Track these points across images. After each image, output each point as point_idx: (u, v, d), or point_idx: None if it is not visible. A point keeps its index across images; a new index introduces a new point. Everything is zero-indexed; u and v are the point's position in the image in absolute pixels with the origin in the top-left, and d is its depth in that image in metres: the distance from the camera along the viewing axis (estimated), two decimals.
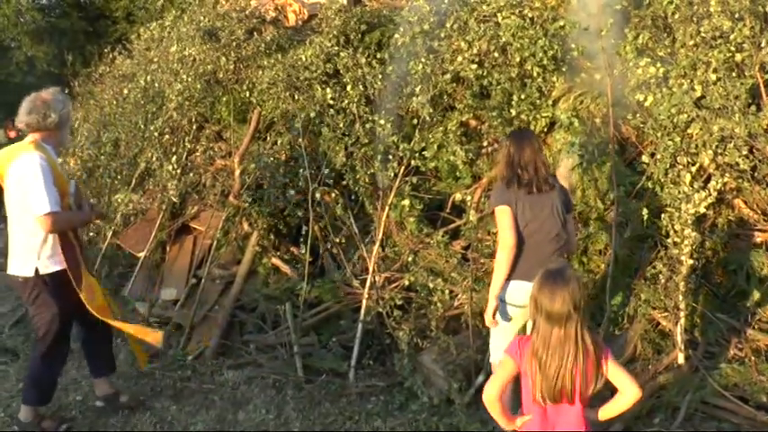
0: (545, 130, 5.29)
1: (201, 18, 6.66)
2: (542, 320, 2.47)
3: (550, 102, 5.29)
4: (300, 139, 5.17)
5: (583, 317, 2.45)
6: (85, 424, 4.21)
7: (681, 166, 4.25)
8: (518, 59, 5.20)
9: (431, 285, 4.71)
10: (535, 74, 5.19)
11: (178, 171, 6.09)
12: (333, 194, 5.32)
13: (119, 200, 6.62)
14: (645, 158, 4.50)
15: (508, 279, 3.44)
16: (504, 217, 3.40)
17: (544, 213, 3.44)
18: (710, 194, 4.11)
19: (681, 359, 4.08)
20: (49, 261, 3.81)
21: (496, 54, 5.25)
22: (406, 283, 4.87)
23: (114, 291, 6.58)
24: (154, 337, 4.13)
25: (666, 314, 4.28)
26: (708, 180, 4.30)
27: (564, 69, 5.22)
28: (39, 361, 4.00)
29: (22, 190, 3.74)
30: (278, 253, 5.56)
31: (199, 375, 4.85)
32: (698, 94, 4.39)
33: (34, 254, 3.79)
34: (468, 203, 5.02)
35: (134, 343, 4.37)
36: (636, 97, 4.57)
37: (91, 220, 4.43)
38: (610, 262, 4.55)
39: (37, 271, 3.79)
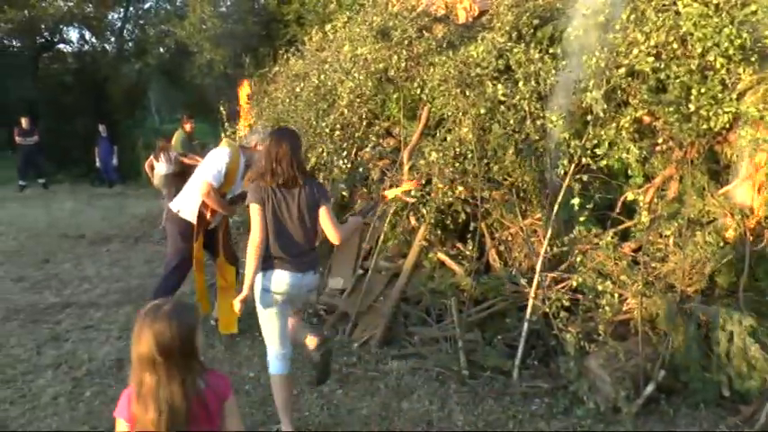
0: (727, 126, 4.93)
1: (374, 18, 6.84)
2: (135, 363, 2.17)
3: (734, 95, 4.91)
4: (470, 136, 5.19)
5: (184, 362, 2.17)
6: (257, 400, 4.44)
7: None
8: (699, 50, 4.88)
9: (599, 288, 4.56)
10: (718, 65, 4.84)
11: (348, 166, 6.32)
12: (501, 191, 5.29)
13: None
14: None
15: (268, 269, 3.75)
16: (254, 214, 3.71)
17: (292, 208, 3.73)
18: None
19: None
20: (189, 212, 5.21)
21: (675, 45, 4.96)
22: (574, 284, 4.74)
23: None
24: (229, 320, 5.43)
25: None
26: None
27: (753, 59, 4.82)
28: (163, 279, 5.40)
29: (206, 161, 5.18)
30: (444, 248, 5.62)
31: (364, 363, 5.00)
32: None
33: (186, 201, 5.25)
34: (641, 204, 4.79)
35: (225, 305, 5.36)
36: None
37: (231, 213, 5.55)
38: None
39: (179, 211, 5.24)
